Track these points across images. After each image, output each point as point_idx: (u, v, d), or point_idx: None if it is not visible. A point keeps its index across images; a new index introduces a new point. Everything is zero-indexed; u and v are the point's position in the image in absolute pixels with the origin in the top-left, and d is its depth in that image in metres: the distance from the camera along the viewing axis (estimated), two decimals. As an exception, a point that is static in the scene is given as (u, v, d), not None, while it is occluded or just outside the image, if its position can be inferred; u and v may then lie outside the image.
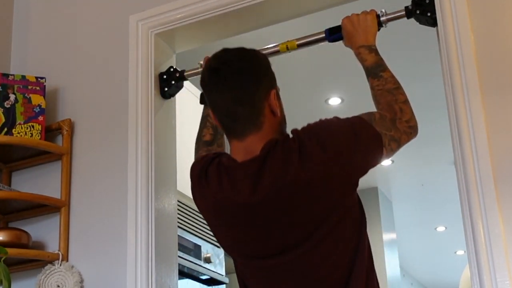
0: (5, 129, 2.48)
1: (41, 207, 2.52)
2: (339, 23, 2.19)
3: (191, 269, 3.22)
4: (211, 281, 3.46)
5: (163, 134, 2.55)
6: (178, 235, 2.64)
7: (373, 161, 1.72)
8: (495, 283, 1.84)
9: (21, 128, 2.50)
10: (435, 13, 2.16)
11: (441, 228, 7.83)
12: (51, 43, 2.82)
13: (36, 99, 2.55)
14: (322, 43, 2.35)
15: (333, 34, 2.26)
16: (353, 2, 2.45)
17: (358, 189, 1.73)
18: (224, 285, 3.61)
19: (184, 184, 2.96)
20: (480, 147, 1.95)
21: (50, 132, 2.60)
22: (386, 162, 5.85)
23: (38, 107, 2.54)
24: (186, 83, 2.67)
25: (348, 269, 1.64)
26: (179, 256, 2.69)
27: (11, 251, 2.27)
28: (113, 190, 2.48)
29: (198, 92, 3.33)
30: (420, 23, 2.22)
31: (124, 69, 2.59)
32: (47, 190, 2.54)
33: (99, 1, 2.79)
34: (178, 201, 2.80)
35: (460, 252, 8.44)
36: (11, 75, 2.57)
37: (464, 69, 2.03)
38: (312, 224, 1.62)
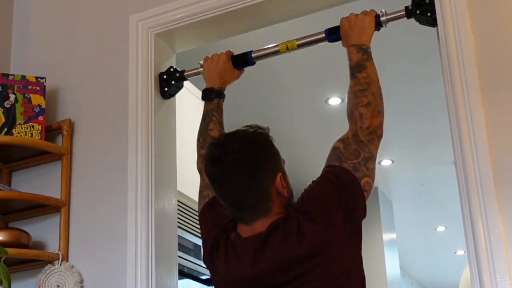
0: (5, 129, 2.48)
1: (41, 207, 2.52)
2: (339, 23, 2.19)
3: (191, 269, 3.22)
4: (211, 281, 3.45)
5: (163, 134, 2.55)
6: (178, 235, 2.64)
7: (362, 198, 1.78)
8: (495, 283, 1.84)
9: (21, 128, 2.50)
10: (435, 13, 2.16)
11: (441, 228, 7.82)
12: (51, 43, 2.82)
13: (36, 99, 2.55)
14: (322, 43, 2.35)
15: (333, 34, 2.26)
16: (353, 2, 2.45)
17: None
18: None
19: (184, 184, 2.97)
20: (480, 147, 1.95)
21: (50, 132, 2.60)
22: (386, 162, 5.85)
23: (38, 107, 2.54)
24: (186, 83, 2.67)
25: None
26: (179, 256, 2.69)
27: (11, 251, 2.27)
28: (113, 190, 2.48)
29: (198, 92, 3.34)
30: (420, 23, 2.22)
31: (124, 69, 2.59)
32: (47, 190, 2.54)
33: (99, 1, 2.79)
34: (178, 201, 2.80)
35: (460, 252, 8.44)
36: (11, 75, 2.57)
37: (464, 69, 2.03)
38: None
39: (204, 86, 2.35)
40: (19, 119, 2.50)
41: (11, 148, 2.52)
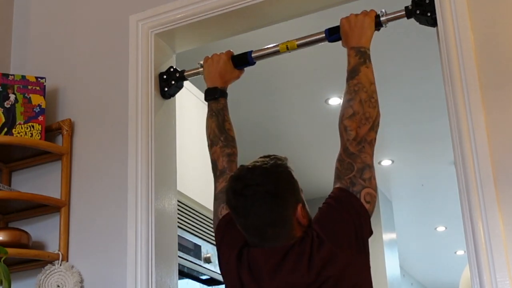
0: (5, 129, 2.48)
1: (41, 207, 2.52)
2: (339, 23, 2.19)
3: (191, 269, 3.22)
4: (211, 281, 3.46)
5: (163, 134, 2.55)
6: (178, 235, 2.64)
7: (366, 214, 1.82)
8: (495, 283, 1.84)
9: (21, 128, 2.50)
10: (435, 13, 2.16)
11: (441, 228, 7.82)
12: (51, 43, 2.82)
13: (36, 99, 2.55)
14: (322, 43, 2.35)
15: (333, 34, 2.26)
16: (353, 2, 2.45)
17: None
18: (224, 285, 3.60)
19: (184, 184, 2.97)
20: (480, 147, 1.95)
21: (50, 132, 2.60)
22: (386, 162, 5.85)
23: (38, 107, 2.54)
24: (186, 83, 2.67)
25: None
26: (179, 256, 2.69)
27: (11, 251, 2.27)
28: (113, 190, 2.48)
29: (198, 92, 3.34)
30: (420, 23, 2.22)
31: (124, 69, 2.59)
32: (47, 190, 2.54)
33: (99, 1, 2.79)
34: (178, 201, 2.80)
35: (460, 252, 8.44)
36: (11, 75, 2.57)
37: (464, 69, 2.03)
38: None
39: (204, 86, 2.35)
40: (19, 119, 2.50)
41: (11, 148, 2.52)
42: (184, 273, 3.14)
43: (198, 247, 3.30)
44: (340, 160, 1.87)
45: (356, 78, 1.98)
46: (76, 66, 2.73)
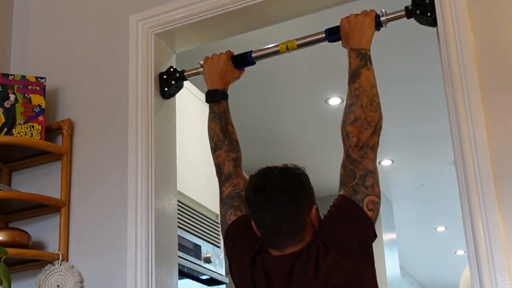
0: (5, 129, 2.48)
1: (41, 207, 2.52)
2: (339, 23, 2.19)
3: (191, 269, 3.22)
4: (211, 281, 3.46)
5: (163, 134, 2.55)
6: (178, 235, 2.64)
7: (369, 222, 1.85)
8: (495, 283, 1.84)
9: (21, 128, 2.50)
10: (435, 13, 2.15)
11: (441, 228, 7.82)
12: (51, 43, 2.82)
13: (36, 99, 2.55)
14: (322, 43, 2.35)
15: (333, 34, 2.26)
16: (353, 2, 2.45)
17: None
18: (224, 285, 3.61)
19: (184, 184, 2.97)
20: (480, 147, 1.95)
21: (50, 132, 2.60)
22: (386, 162, 5.85)
23: (38, 107, 2.54)
24: (186, 83, 2.67)
25: None
26: (179, 256, 2.69)
27: (11, 251, 2.27)
28: (113, 190, 2.47)
29: (198, 92, 3.34)
30: (420, 23, 2.22)
31: (124, 69, 2.59)
32: (47, 190, 2.54)
33: (99, 1, 2.79)
34: (178, 201, 2.80)
35: (460, 252, 8.44)
36: (11, 75, 2.57)
37: (464, 69, 2.03)
38: None
39: (204, 86, 2.35)
40: (19, 119, 2.50)
41: (11, 148, 2.52)
42: (184, 273, 3.14)
43: (198, 247, 3.30)
44: (343, 166, 1.90)
45: (357, 81, 1.99)
46: (76, 66, 2.73)
